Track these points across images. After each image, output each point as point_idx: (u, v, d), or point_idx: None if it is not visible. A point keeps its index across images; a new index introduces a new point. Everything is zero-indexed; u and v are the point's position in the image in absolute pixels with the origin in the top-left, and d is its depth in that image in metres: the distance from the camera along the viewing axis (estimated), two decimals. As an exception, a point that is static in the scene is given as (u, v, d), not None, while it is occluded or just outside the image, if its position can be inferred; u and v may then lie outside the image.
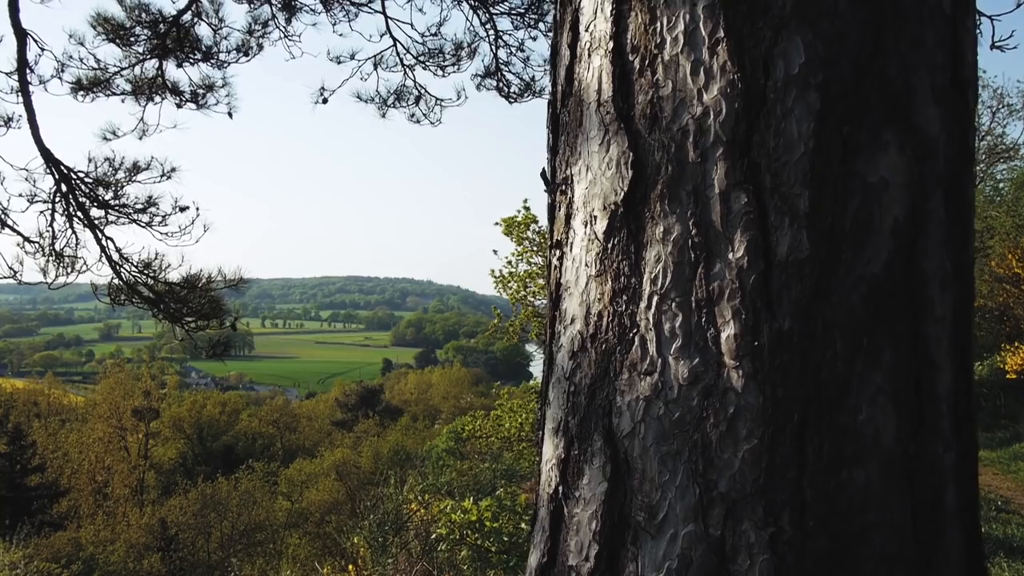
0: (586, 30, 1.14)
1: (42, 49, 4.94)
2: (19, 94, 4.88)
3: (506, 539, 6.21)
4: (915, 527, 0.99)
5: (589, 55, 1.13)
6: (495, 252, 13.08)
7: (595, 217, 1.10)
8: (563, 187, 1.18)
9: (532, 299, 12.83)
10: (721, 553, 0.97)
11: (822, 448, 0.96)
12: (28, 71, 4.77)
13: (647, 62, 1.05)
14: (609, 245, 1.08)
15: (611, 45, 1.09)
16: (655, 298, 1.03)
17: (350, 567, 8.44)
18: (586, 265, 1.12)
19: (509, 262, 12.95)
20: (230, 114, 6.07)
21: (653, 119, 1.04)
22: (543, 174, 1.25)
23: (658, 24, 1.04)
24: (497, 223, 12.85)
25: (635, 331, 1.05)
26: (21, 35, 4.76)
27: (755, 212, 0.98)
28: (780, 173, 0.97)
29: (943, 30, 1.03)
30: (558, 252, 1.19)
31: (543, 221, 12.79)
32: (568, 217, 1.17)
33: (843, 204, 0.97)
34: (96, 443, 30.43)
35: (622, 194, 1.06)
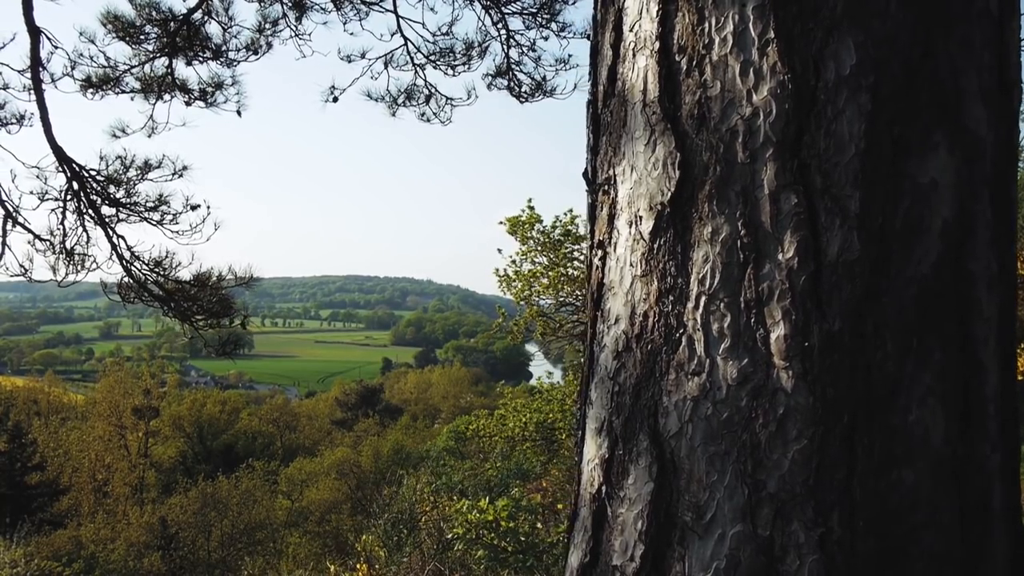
0: (630, 30, 1.14)
1: (55, 47, 4.95)
2: (31, 91, 4.89)
3: (523, 539, 6.22)
4: (963, 527, 1.00)
5: (634, 55, 1.13)
6: (500, 251, 13.08)
7: (640, 217, 1.11)
8: (605, 187, 1.18)
9: (536, 299, 12.83)
10: (770, 553, 0.97)
11: (872, 448, 0.96)
12: (41, 68, 4.78)
13: (695, 62, 1.05)
14: (655, 245, 1.08)
15: (657, 45, 1.09)
16: (703, 298, 1.03)
17: (360, 566, 8.45)
18: (631, 265, 1.12)
19: (513, 261, 12.95)
20: (239, 112, 6.08)
21: (701, 119, 1.04)
22: (585, 174, 1.25)
23: (706, 25, 1.04)
24: (501, 222, 12.85)
25: (682, 331, 1.05)
26: (34, 32, 4.77)
27: (805, 213, 0.98)
28: (831, 174, 0.97)
29: (991, 31, 1.04)
30: (600, 252, 1.19)
31: (547, 221, 12.78)
32: (611, 217, 1.17)
33: (893, 205, 0.97)
34: (96, 441, 30.40)
35: (669, 194, 1.07)
